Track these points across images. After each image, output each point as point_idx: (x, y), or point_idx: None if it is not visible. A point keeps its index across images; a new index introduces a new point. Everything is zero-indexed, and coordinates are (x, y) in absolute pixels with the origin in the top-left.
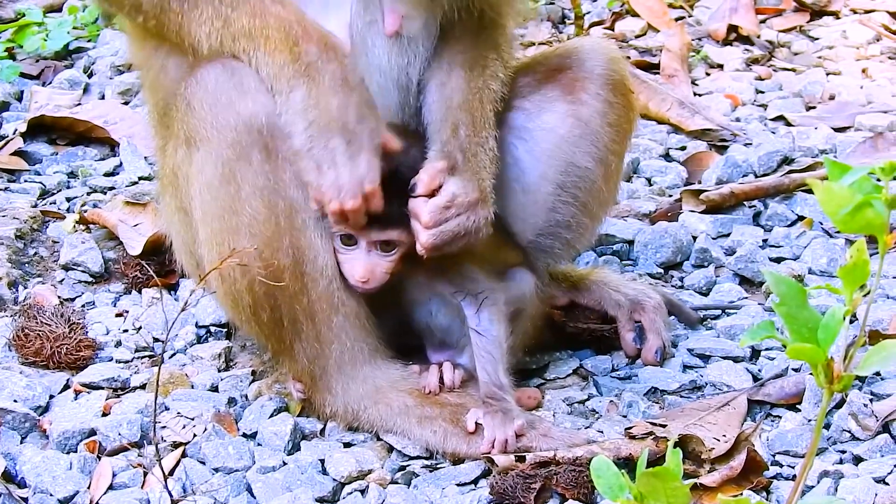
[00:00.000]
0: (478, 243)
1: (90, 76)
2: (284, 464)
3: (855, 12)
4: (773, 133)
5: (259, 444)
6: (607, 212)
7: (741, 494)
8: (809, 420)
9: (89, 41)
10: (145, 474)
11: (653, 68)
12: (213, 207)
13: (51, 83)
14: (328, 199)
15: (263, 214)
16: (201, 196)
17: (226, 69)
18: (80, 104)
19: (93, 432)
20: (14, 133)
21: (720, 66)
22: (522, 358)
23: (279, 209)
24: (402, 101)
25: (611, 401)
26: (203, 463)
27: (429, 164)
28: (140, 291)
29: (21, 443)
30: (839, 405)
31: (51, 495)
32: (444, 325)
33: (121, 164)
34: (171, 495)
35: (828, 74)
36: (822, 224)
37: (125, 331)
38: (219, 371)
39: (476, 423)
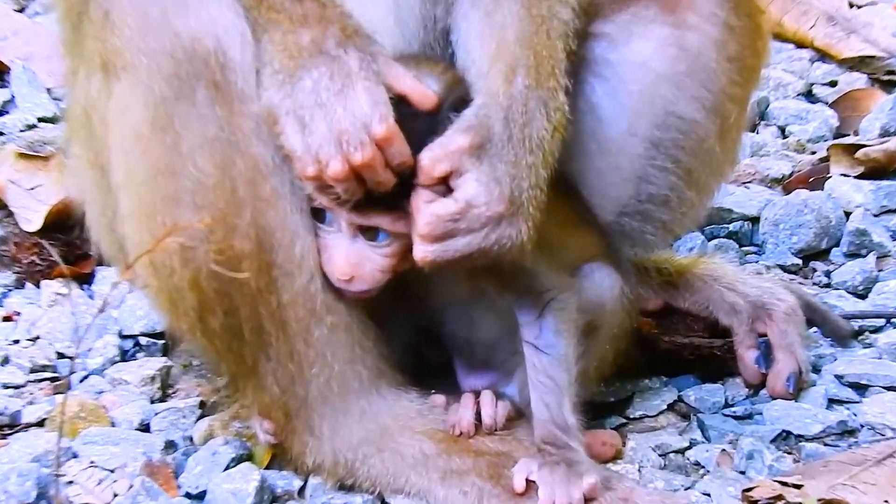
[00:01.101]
0: (510, 260)
1: None
2: None
3: None
4: None
5: None
6: (721, 182)
7: None
8: None
9: None
10: None
11: None
12: (140, 166)
13: None
14: (324, 158)
15: (214, 177)
16: (124, 148)
17: None
18: None
19: None
20: None
21: None
22: (597, 388)
23: (236, 171)
24: (424, 40)
25: (722, 450)
26: None
27: (443, 139)
28: (38, 284)
29: None
30: None
31: None
32: (489, 340)
33: (12, 98)
34: None
35: None
36: None
37: (15, 341)
38: (151, 402)
39: (527, 479)
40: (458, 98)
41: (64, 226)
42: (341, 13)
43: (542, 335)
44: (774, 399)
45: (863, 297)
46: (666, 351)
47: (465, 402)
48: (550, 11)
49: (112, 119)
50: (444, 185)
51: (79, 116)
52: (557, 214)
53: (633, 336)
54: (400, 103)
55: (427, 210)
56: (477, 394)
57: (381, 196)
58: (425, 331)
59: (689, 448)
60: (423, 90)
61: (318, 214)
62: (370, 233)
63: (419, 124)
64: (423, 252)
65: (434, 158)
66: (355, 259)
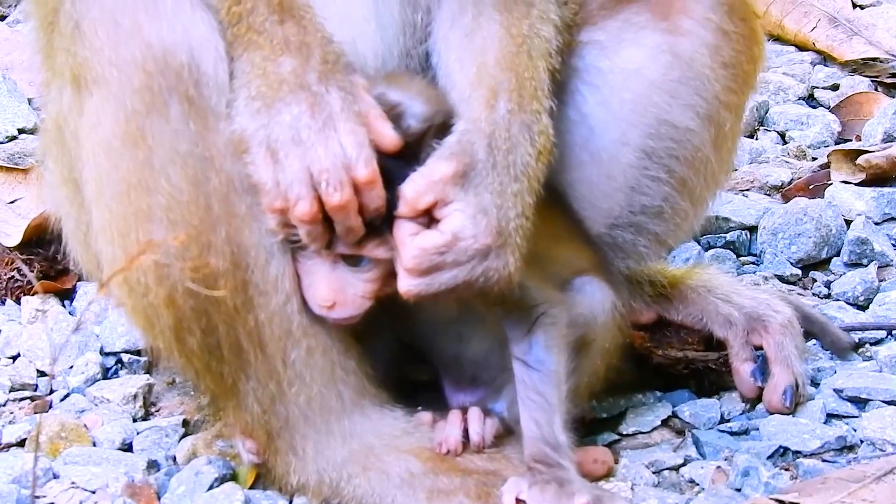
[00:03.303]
0: (496, 291)
1: None
2: None
3: None
4: None
5: None
6: (717, 192)
7: None
8: None
9: None
10: None
11: None
12: (112, 181)
13: None
14: (293, 197)
15: (187, 193)
16: (96, 163)
17: None
18: None
19: None
20: None
21: None
22: (588, 404)
23: (210, 187)
24: (404, 46)
25: (718, 466)
26: None
27: (425, 169)
28: (18, 301)
29: None
30: None
31: None
32: (477, 356)
33: None
34: None
35: None
36: None
37: None
38: (134, 420)
39: (517, 499)
40: (440, 123)
41: (44, 240)
42: (322, 38)
43: (531, 351)
44: (771, 414)
45: (863, 308)
46: (659, 365)
47: (452, 419)
48: (531, 30)
49: (83, 133)
50: (427, 216)
51: (51, 130)
52: (547, 227)
53: (625, 350)
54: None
55: (412, 244)
56: (464, 410)
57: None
58: (409, 347)
59: (683, 465)
60: (393, 137)
61: (295, 242)
62: (352, 258)
63: (398, 162)
64: (408, 286)
65: (418, 190)
66: (336, 285)
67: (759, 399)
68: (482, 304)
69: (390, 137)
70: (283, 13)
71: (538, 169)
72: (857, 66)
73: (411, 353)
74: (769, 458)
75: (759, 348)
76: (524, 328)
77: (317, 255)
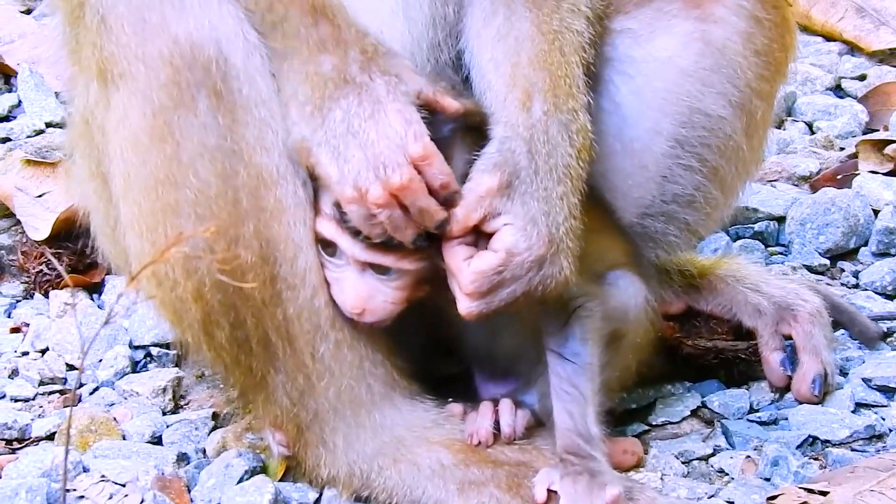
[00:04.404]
0: (554, 295)
1: None
2: None
3: None
4: None
5: None
6: (748, 181)
7: None
8: None
9: None
10: None
11: None
12: (140, 176)
13: None
14: (363, 185)
15: (216, 187)
16: (124, 158)
17: None
18: None
19: None
20: None
21: None
22: (619, 396)
23: (239, 181)
24: (433, 40)
25: (747, 456)
26: None
27: (470, 185)
28: (46, 294)
29: None
30: None
31: None
32: (511, 350)
33: (19, 103)
34: None
35: None
36: None
37: (24, 353)
38: (164, 414)
39: (549, 490)
40: (473, 123)
41: (72, 234)
42: (357, 32)
43: (567, 344)
44: (800, 403)
45: (892, 297)
46: (689, 355)
47: (483, 410)
48: (562, 24)
49: (111, 128)
50: (475, 234)
51: (78, 125)
52: (587, 220)
53: (655, 342)
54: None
55: (469, 269)
56: (495, 402)
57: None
58: (438, 340)
59: (712, 455)
60: (452, 102)
61: (327, 247)
62: (380, 266)
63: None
64: (468, 308)
65: (468, 207)
66: (365, 293)
67: (787, 389)
68: (532, 306)
69: (450, 103)
70: (315, 15)
71: (580, 168)
72: (885, 56)
73: (440, 346)
74: (798, 447)
75: (788, 338)
76: (561, 321)
77: (346, 262)
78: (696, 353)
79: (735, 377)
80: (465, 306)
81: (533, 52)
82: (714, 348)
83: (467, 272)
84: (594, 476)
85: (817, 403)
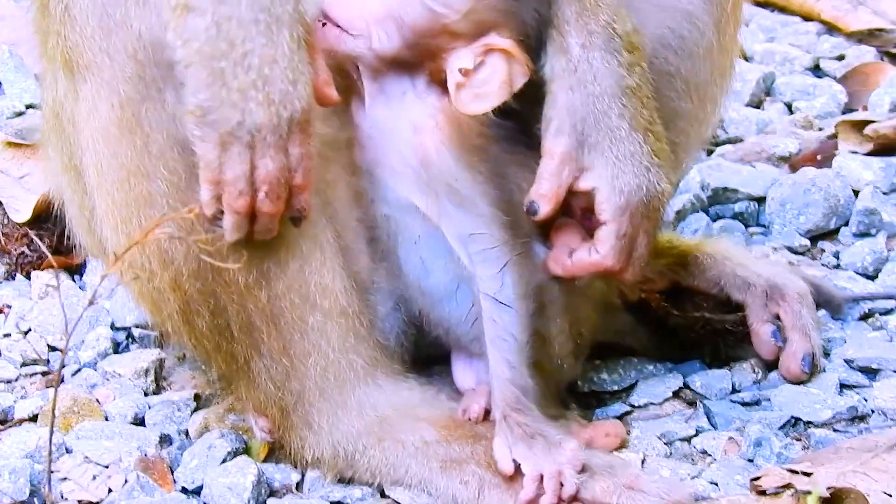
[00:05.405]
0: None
1: None
2: None
3: None
4: None
5: None
6: (725, 87)
7: None
8: None
9: None
10: None
11: None
12: (112, 167)
13: None
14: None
15: (186, 179)
16: (95, 150)
17: None
18: None
19: None
20: None
21: None
22: (594, 373)
23: None
24: None
25: (730, 437)
26: None
27: (545, 159)
28: (28, 276)
29: None
30: None
31: None
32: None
33: None
34: None
35: None
36: None
37: (6, 335)
38: (146, 395)
39: (513, 460)
40: None
41: (53, 216)
42: None
43: (502, 289)
44: (785, 382)
45: (873, 278)
46: (676, 327)
47: (480, 389)
48: None
49: (81, 119)
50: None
51: (49, 119)
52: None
53: (638, 312)
54: None
55: (604, 248)
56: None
57: None
58: (418, 326)
59: (695, 436)
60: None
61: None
62: None
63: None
64: (632, 276)
65: (552, 185)
66: None
67: (770, 369)
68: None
69: None
70: None
71: (635, 81)
72: (863, 37)
73: (419, 332)
74: (781, 428)
75: (776, 318)
76: (498, 265)
77: None
78: (684, 322)
79: (721, 353)
80: (629, 276)
81: None
82: (702, 318)
83: (605, 249)
84: (543, 435)
85: (806, 382)
